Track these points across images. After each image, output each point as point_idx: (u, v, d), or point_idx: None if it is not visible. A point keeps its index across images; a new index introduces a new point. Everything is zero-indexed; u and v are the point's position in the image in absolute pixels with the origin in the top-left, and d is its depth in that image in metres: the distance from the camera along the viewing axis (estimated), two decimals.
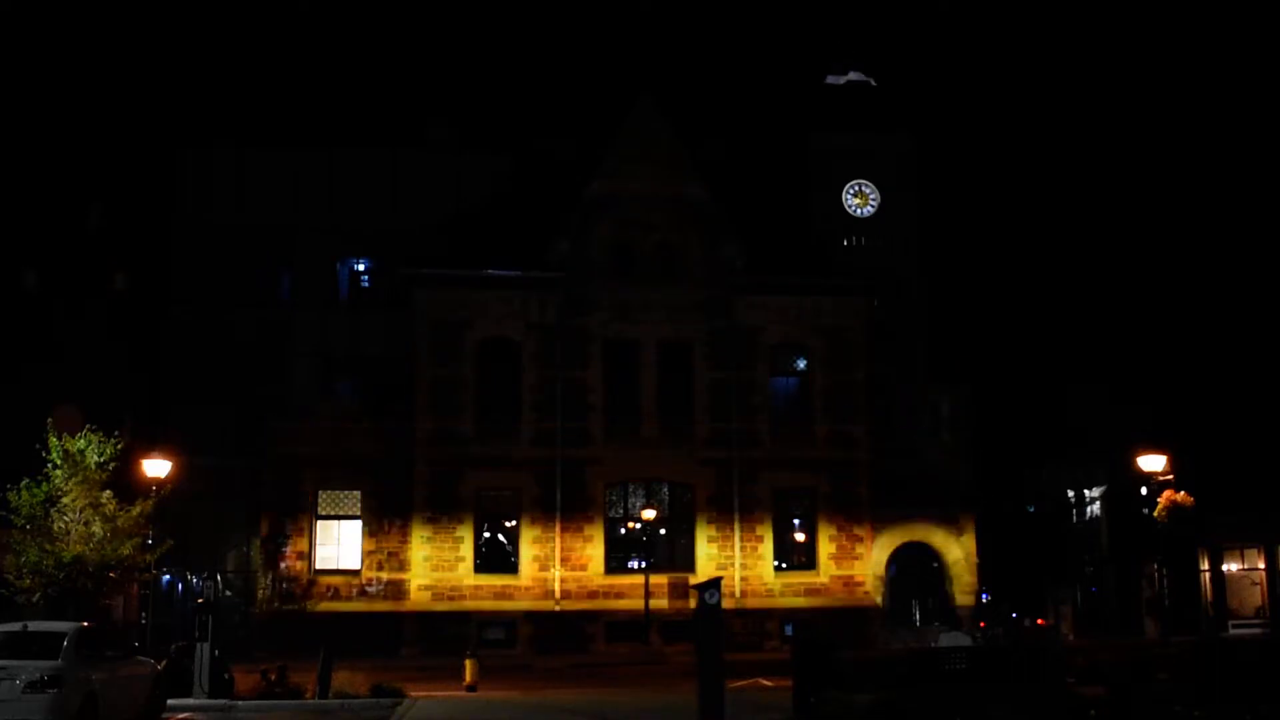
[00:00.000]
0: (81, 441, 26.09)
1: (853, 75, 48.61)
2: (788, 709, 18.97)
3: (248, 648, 33.40)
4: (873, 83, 48.66)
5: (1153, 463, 32.44)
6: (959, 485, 43.60)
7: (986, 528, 44.43)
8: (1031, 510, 54.47)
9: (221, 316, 41.54)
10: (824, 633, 30.18)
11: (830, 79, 49.66)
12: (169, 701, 20.89)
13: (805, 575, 39.50)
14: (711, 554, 38.81)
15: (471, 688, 24.39)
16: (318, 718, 21.13)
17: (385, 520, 38.12)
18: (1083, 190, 64.90)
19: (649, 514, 38.60)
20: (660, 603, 37.52)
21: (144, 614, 32.10)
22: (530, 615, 37.70)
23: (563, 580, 38.07)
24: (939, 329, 49.00)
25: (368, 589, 37.69)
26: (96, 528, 25.67)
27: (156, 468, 27.99)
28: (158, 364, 41.52)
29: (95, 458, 26.11)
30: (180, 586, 40.77)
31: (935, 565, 42.49)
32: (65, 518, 25.59)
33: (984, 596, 45.72)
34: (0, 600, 25.75)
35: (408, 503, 37.98)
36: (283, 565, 37.53)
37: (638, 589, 37.29)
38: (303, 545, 37.93)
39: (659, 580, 37.86)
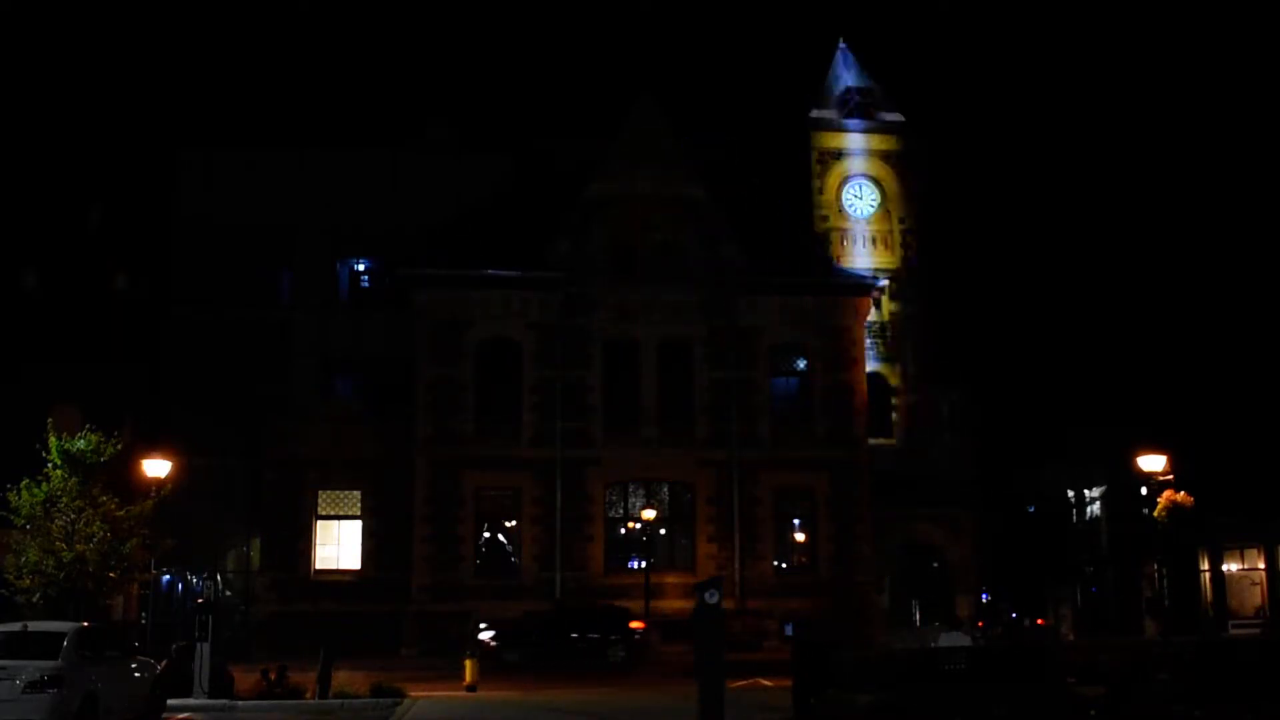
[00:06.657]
0: (81, 441, 26.07)
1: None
2: (788, 709, 18.95)
3: (248, 648, 33.44)
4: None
5: (1153, 463, 32.37)
6: (959, 485, 43.59)
7: (986, 528, 44.44)
8: (1031, 510, 54.46)
9: (221, 316, 41.54)
10: (824, 633, 30.20)
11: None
12: (169, 701, 20.88)
13: (805, 575, 39.50)
14: (711, 554, 38.82)
15: (471, 688, 24.38)
16: (318, 718, 21.10)
17: (385, 520, 38.13)
18: (1083, 190, 64.86)
19: (649, 514, 38.60)
20: (660, 603, 37.52)
21: (144, 614, 32.09)
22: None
23: (563, 580, 38.06)
24: (939, 329, 48.98)
25: (368, 589, 37.66)
26: (96, 528, 25.63)
27: (156, 468, 27.93)
28: (158, 364, 41.51)
29: (95, 458, 26.08)
30: (180, 586, 40.77)
31: (935, 565, 42.48)
32: (65, 518, 25.55)
33: (984, 596, 45.75)
34: (0, 600, 25.72)
35: (408, 503, 37.99)
36: (282, 565, 37.51)
37: (638, 589, 37.25)
38: (303, 545, 37.94)
39: (659, 580, 37.86)
